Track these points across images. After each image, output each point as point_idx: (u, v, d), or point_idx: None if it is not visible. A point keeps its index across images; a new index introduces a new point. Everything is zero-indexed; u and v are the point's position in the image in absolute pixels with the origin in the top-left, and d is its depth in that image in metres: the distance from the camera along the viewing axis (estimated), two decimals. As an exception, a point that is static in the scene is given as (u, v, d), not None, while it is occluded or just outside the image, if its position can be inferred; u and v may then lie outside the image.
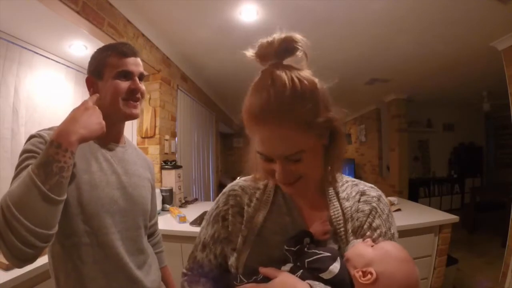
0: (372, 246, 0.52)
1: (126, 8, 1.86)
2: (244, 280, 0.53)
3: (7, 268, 1.07)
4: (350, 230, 0.55)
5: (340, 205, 0.58)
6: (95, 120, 0.68)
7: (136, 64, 0.82)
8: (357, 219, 0.57)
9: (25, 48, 1.94)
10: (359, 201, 0.59)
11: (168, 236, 1.75)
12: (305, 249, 0.51)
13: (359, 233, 0.56)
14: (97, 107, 0.72)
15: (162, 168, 2.53)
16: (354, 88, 3.99)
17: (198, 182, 3.67)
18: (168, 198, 2.39)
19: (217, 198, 0.67)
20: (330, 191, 0.60)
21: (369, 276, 0.47)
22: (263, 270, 0.52)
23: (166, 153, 2.63)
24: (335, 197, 0.59)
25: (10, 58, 1.83)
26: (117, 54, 0.79)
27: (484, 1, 1.82)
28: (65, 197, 0.61)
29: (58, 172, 0.58)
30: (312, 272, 0.49)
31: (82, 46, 2.12)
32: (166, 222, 1.99)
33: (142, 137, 2.52)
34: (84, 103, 0.70)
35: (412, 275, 0.48)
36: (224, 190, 0.67)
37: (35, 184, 0.55)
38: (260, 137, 0.49)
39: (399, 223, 1.81)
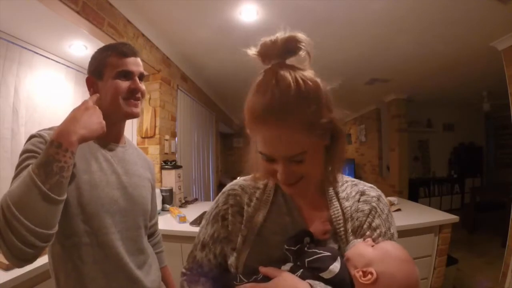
0: (372, 246, 0.52)
1: (126, 8, 1.86)
2: (244, 279, 0.53)
3: (7, 268, 1.07)
4: (350, 230, 0.55)
5: (340, 205, 0.58)
6: (96, 120, 0.68)
7: (136, 64, 0.82)
8: (356, 219, 0.57)
9: (25, 48, 1.94)
10: (358, 201, 0.59)
11: (168, 236, 1.75)
12: (305, 248, 0.51)
13: (358, 232, 0.56)
14: (97, 107, 0.72)
15: (162, 168, 2.53)
16: (354, 88, 3.99)
17: (198, 182, 3.67)
18: (168, 198, 2.39)
19: (216, 198, 0.67)
20: (330, 191, 0.60)
21: (369, 276, 0.47)
22: (263, 270, 0.52)
23: (166, 153, 2.63)
24: (335, 197, 0.59)
25: (10, 58, 1.83)
26: (117, 54, 0.79)
27: (484, 1, 1.82)
28: (65, 197, 0.61)
29: (58, 172, 0.58)
30: (312, 271, 0.49)
31: (82, 46, 2.12)
32: (166, 222, 1.99)
33: (142, 137, 2.52)
34: (84, 103, 0.70)
35: (412, 275, 0.48)
36: (223, 190, 0.67)
37: (35, 184, 0.55)
38: (263, 137, 0.48)
39: (399, 223, 1.81)
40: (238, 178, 0.70)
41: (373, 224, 0.56)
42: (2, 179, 1.71)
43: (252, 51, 0.51)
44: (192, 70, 3.24)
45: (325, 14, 2.04)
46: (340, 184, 0.61)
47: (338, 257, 0.50)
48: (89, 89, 0.82)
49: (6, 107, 1.81)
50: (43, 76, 2.10)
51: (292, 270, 0.51)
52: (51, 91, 2.17)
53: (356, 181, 0.64)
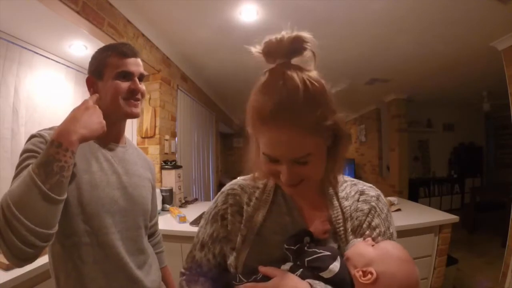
0: (372, 245, 0.52)
1: (126, 8, 1.86)
2: (244, 279, 0.53)
3: (7, 268, 1.07)
4: (349, 229, 0.55)
5: (340, 205, 0.58)
6: (96, 120, 0.69)
7: (136, 64, 0.82)
8: (356, 218, 0.57)
9: (25, 48, 1.94)
10: (358, 200, 0.59)
11: (168, 236, 1.75)
12: (305, 248, 0.51)
13: (358, 232, 0.56)
14: (97, 107, 0.72)
15: (162, 168, 2.53)
16: (354, 88, 3.98)
17: (198, 182, 3.67)
18: (168, 198, 2.39)
19: (215, 197, 0.66)
20: (329, 191, 0.60)
21: (369, 275, 0.47)
22: (263, 269, 0.52)
23: (166, 153, 2.63)
24: (334, 197, 0.59)
25: (10, 58, 1.83)
26: (118, 54, 0.79)
27: (484, 1, 1.82)
28: (65, 196, 0.61)
29: (59, 171, 0.58)
30: (312, 271, 0.49)
31: (82, 46, 2.12)
32: (166, 222, 1.99)
33: (142, 137, 2.52)
34: (84, 103, 0.71)
35: (412, 275, 0.48)
36: (222, 189, 0.66)
37: (35, 184, 0.55)
38: (268, 138, 0.48)
39: (399, 223, 1.81)
40: (238, 178, 0.70)
41: (373, 224, 0.56)
42: (2, 179, 1.71)
43: (256, 49, 0.49)
44: (192, 70, 3.24)
45: (325, 14, 2.04)
46: (339, 184, 0.61)
47: (338, 257, 0.50)
48: (89, 89, 0.82)
49: (6, 107, 1.81)
50: (43, 76, 2.10)
51: (292, 270, 0.51)
52: (51, 91, 2.17)
53: (356, 181, 0.64)
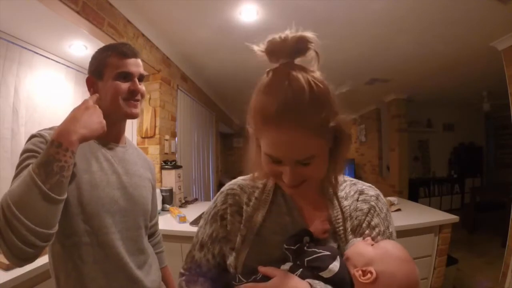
0: (372, 245, 0.52)
1: (126, 8, 1.86)
2: (243, 279, 0.53)
3: (7, 268, 1.07)
4: (349, 229, 0.55)
5: (339, 204, 0.58)
6: (96, 120, 0.69)
7: (136, 65, 0.82)
8: (355, 218, 0.57)
9: (25, 48, 1.94)
10: (357, 200, 0.59)
11: (168, 236, 1.75)
12: (305, 247, 0.51)
13: (358, 231, 0.56)
14: (97, 107, 0.72)
15: (162, 168, 2.53)
16: (354, 88, 3.98)
17: (198, 182, 3.67)
18: (168, 198, 2.39)
19: (215, 197, 0.66)
20: (329, 191, 0.60)
21: (369, 275, 0.47)
22: (263, 269, 0.52)
23: (166, 153, 2.63)
24: (334, 197, 0.59)
25: (10, 58, 1.83)
26: (118, 54, 0.79)
27: (484, 1, 1.82)
28: (65, 196, 0.61)
29: (59, 171, 0.58)
30: (312, 270, 0.49)
31: (82, 46, 2.12)
32: (166, 222, 1.99)
33: (142, 137, 2.52)
34: (84, 103, 0.71)
35: (412, 275, 0.48)
36: (222, 189, 0.66)
37: (35, 184, 0.55)
38: (271, 139, 0.47)
39: (399, 223, 1.81)
40: (238, 178, 0.70)
41: (372, 223, 0.56)
42: (2, 179, 1.71)
43: (259, 48, 0.49)
44: (192, 70, 3.24)
45: (325, 14, 2.04)
46: (339, 183, 0.61)
47: (338, 256, 0.50)
48: (89, 89, 0.82)
49: (6, 107, 1.81)
50: (43, 76, 2.10)
51: (292, 270, 0.51)
52: (51, 91, 2.17)
53: (355, 180, 0.64)
